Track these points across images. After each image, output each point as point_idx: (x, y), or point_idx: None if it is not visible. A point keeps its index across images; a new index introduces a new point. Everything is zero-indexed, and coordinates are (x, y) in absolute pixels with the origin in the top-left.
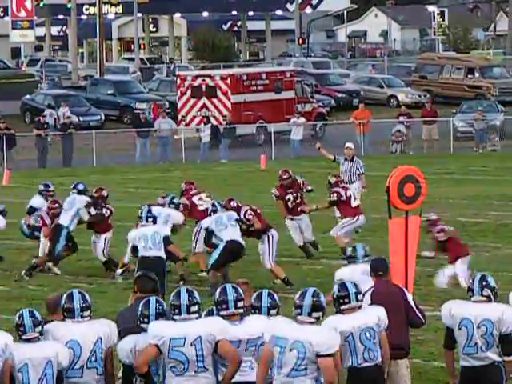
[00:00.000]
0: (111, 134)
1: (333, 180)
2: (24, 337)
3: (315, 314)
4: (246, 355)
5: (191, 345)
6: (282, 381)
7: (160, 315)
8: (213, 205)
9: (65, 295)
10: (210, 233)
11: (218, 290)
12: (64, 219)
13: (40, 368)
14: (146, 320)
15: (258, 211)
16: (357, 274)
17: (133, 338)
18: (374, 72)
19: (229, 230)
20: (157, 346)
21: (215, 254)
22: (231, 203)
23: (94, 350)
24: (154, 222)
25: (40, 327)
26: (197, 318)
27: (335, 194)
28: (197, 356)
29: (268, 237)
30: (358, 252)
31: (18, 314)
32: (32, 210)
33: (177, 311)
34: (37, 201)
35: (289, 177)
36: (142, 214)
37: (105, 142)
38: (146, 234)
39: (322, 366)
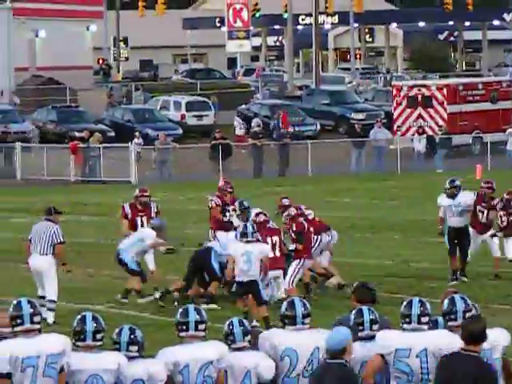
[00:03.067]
0: (326, 143)
1: None
2: (233, 346)
3: None
4: None
5: (416, 357)
6: None
7: (373, 322)
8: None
9: (285, 302)
10: None
11: (446, 300)
12: None
13: (239, 378)
14: (360, 327)
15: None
16: None
17: None
18: None
19: None
20: (382, 356)
21: None
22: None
23: (310, 359)
24: None
25: (248, 336)
26: (425, 330)
27: None
28: (422, 368)
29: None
30: None
31: (227, 323)
32: None
33: (407, 320)
34: None
35: None
36: None
37: (320, 152)
38: None
39: None
